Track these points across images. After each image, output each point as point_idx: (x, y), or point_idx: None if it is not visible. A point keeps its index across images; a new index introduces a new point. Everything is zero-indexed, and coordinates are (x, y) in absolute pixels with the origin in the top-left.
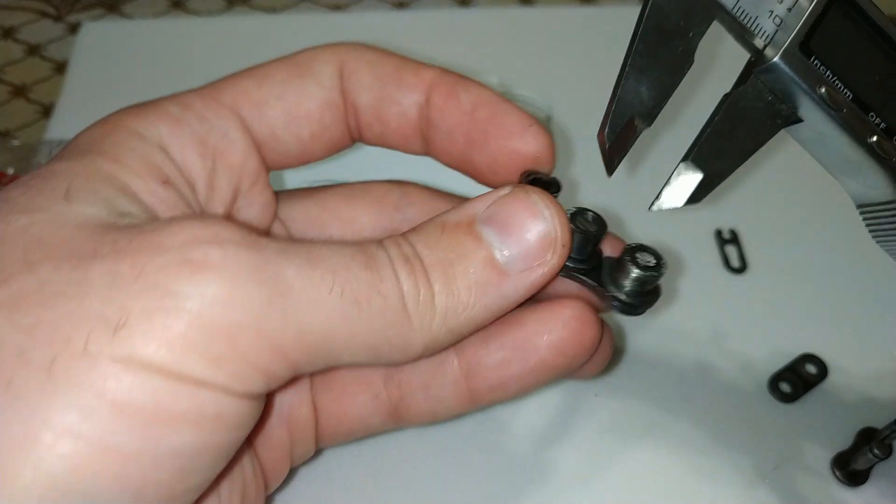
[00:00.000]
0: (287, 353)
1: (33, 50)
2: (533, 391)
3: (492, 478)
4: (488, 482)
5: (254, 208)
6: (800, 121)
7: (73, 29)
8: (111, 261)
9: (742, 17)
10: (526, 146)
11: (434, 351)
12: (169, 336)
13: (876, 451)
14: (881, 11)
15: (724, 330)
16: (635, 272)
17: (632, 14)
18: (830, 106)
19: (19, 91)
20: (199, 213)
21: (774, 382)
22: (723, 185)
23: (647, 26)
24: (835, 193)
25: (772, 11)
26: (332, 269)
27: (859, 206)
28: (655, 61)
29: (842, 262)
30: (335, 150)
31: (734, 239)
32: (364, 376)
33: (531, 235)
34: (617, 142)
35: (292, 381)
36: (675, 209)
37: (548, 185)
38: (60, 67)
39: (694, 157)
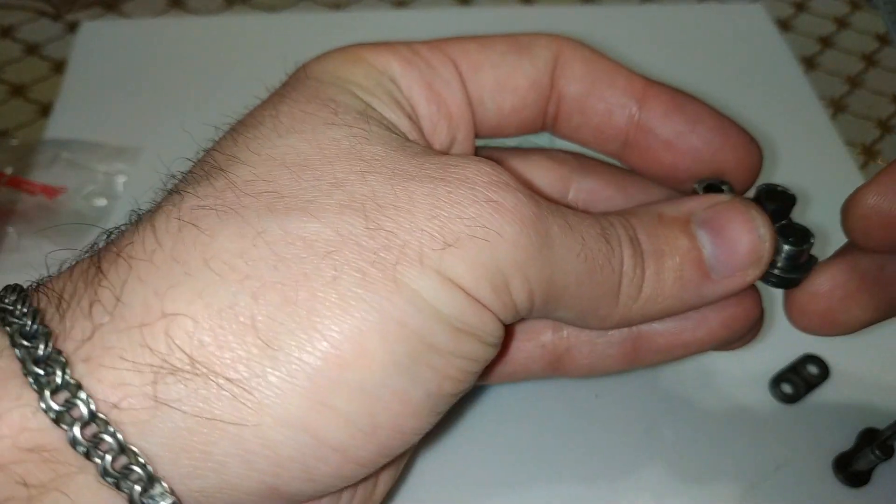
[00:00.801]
0: (534, 297)
1: (32, 49)
2: (691, 356)
3: (492, 478)
4: (488, 482)
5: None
6: None
7: (72, 28)
8: (429, 185)
9: None
10: (752, 158)
11: (623, 326)
12: (476, 263)
13: (878, 452)
14: None
15: None
16: (787, 248)
17: (632, 14)
18: None
19: (17, 90)
20: (481, 157)
21: (776, 383)
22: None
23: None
24: (835, 194)
25: None
26: (581, 234)
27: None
28: None
29: None
30: (526, 131)
31: None
32: (536, 325)
33: (742, 247)
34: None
35: None
36: None
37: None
38: (59, 67)
39: None
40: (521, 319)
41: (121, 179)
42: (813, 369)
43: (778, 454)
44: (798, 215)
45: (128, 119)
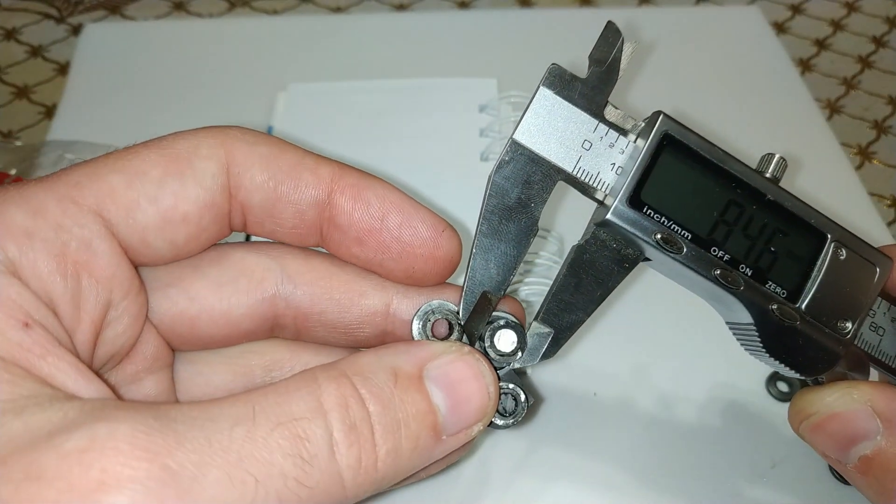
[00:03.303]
0: None
1: (36, 51)
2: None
3: (491, 477)
4: (488, 481)
5: (126, 318)
6: (648, 259)
7: (76, 30)
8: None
9: (584, 177)
10: (442, 251)
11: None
12: None
13: None
14: (712, 145)
15: (722, 329)
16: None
17: (631, 15)
18: (668, 250)
19: (22, 92)
20: (90, 436)
21: (772, 381)
22: None
23: (489, 207)
24: (834, 193)
25: (613, 164)
26: (254, 471)
27: (727, 323)
28: (500, 238)
29: None
30: (212, 243)
31: None
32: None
33: (473, 406)
34: (472, 318)
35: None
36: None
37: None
38: (63, 69)
39: (544, 315)
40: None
41: None
42: None
43: (774, 451)
44: None
45: (131, 120)
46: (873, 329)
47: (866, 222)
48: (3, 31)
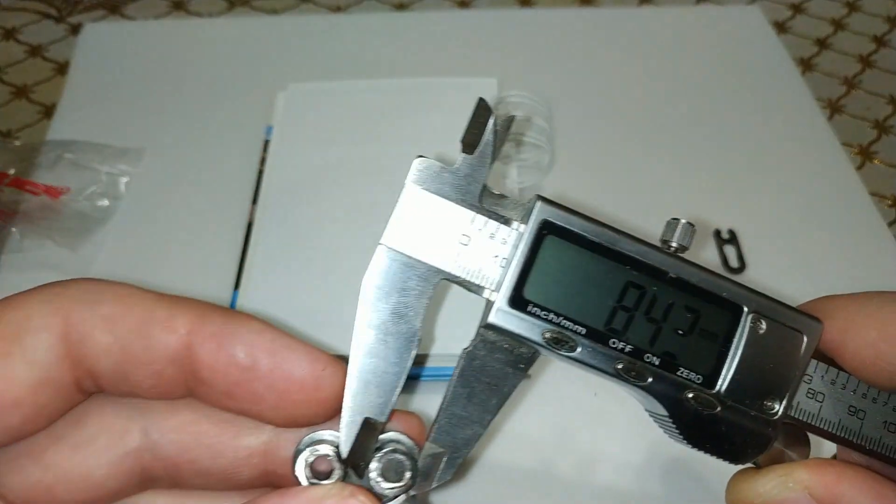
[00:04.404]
0: None
1: (35, 51)
2: None
3: (492, 475)
4: (488, 477)
5: None
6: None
7: (75, 30)
8: None
9: (466, 275)
10: (324, 392)
11: None
12: None
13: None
14: (601, 225)
15: None
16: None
17: (630, 15)
18: (560, 350)
19: (21, 91)
20: None
21: None
22: (722, 184)
23: (361, 322)
24: (834, 193)
25: (497, 255)
26: None
27: (646, 411)
28: (377, 356)
29: (839, 260)
30: (63, 413)
31: (733, 239)
32: None
33: None
34: (356, 449)
35: None
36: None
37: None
38: (62, 68)
39: (435, 434)
40: None
41: (123, 180)
42: None
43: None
44: (796, 215)
45: (130, 120)
46: (811, 396)
47: (867, 223)
48: (3, 31)
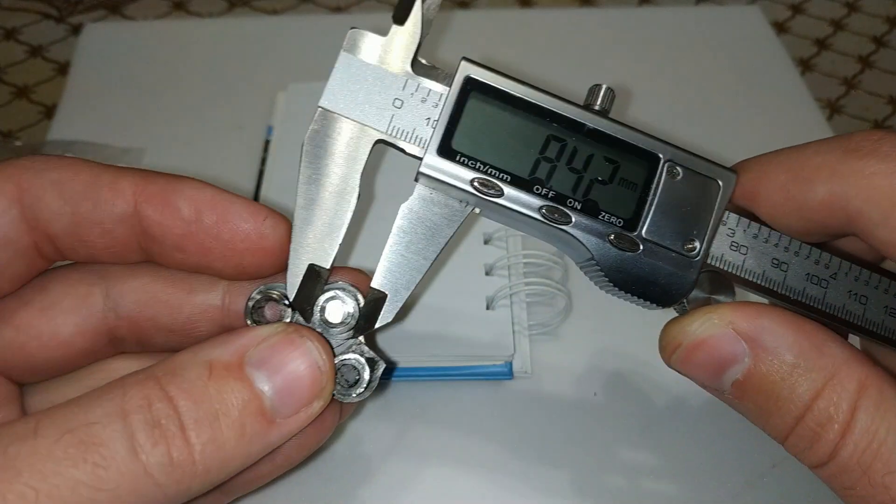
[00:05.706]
0: None
1: (35, 51)
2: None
3: (492, 475)
4: (488, 479)
5: None
6: (477, 210)
7: (76, 30)
8: None
9: (400, 136)
10: (268, 241)
11: (191, 498)
12: None
13: None
14: (523, 83)
15: None
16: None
17: (630, 15)
18: (487, 193)
19: (21, 92)
20: None
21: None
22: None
23: (303, 178)
24: None
25: (429, 118)
26: (34, 483)
27: (577, 264)
28: (319, 208)
29: None
30: (29, 278)
31: None
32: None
33: (302, 386)
34: (301, 294)
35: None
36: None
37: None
38: (63, 68)
39: (376, 279)
40: None
41: None
42: None
43: (774, 452)
44: None
45: (131, 120)
46: (734, 248)
47: None
48: (3, 31)
